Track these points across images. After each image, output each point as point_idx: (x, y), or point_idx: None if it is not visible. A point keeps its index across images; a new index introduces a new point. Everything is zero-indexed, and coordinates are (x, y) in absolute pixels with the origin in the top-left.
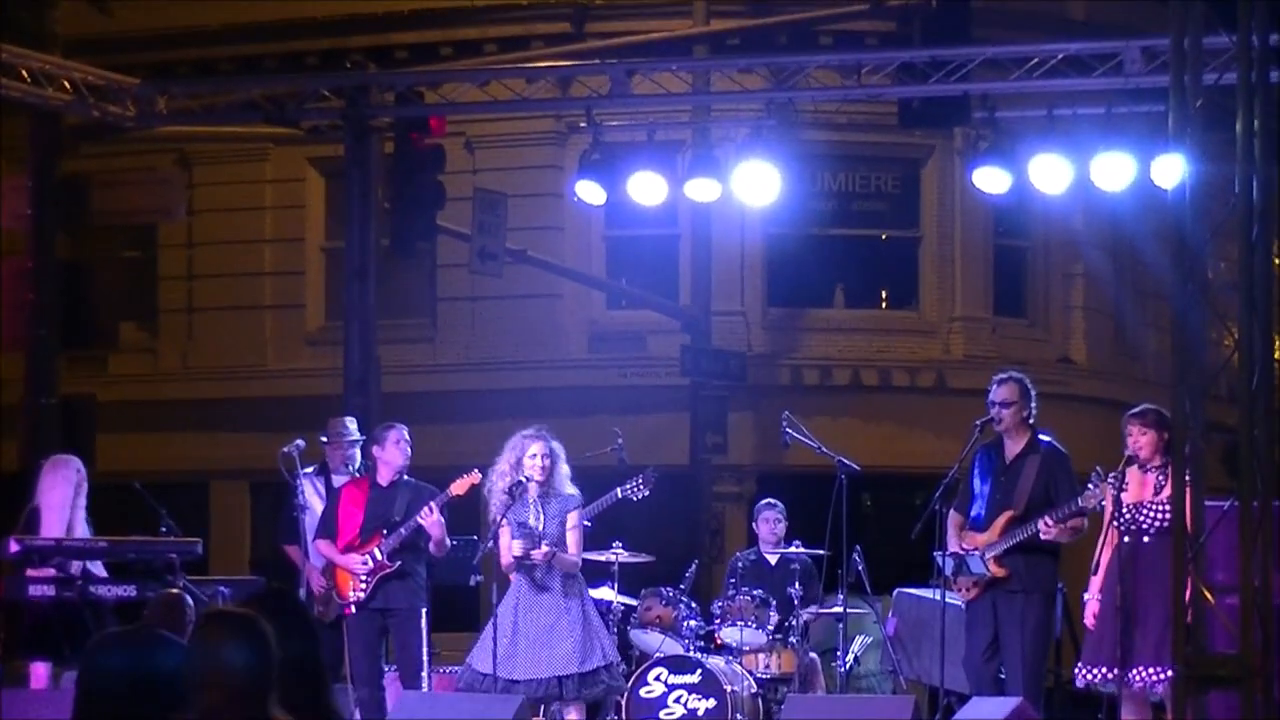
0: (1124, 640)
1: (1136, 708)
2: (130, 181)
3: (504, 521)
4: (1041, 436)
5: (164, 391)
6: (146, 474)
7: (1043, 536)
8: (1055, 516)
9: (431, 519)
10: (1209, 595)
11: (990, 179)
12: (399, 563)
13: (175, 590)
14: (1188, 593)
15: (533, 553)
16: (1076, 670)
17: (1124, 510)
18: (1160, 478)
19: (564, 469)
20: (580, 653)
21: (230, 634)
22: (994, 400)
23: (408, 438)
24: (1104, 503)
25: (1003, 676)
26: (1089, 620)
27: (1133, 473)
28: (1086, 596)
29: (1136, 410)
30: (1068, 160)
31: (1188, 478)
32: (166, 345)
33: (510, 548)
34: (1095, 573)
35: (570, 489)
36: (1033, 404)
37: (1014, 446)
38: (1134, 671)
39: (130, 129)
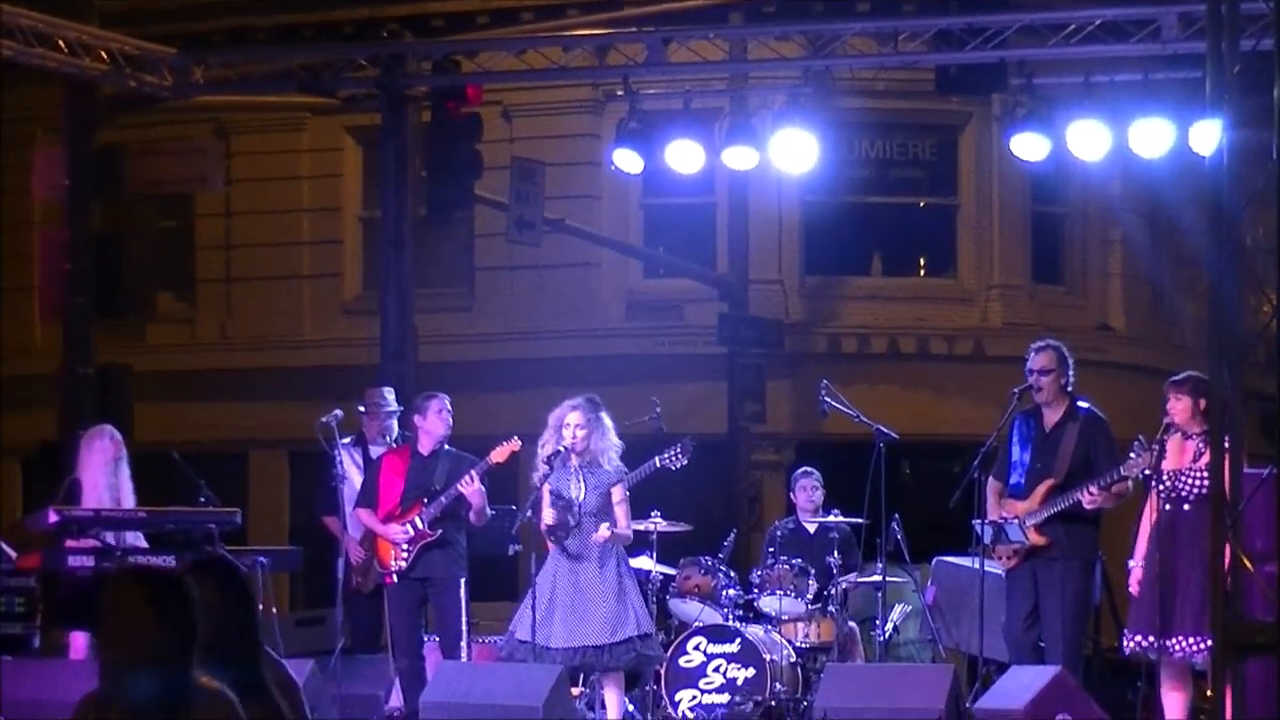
0: (1163, 609)
1: (1176, 676)
2: (167, 151)
3: (544, 490)
4: (1080, 403)
5: (201, 361)
6: (184, 444)
7: (1087, 505)
8: (1099, 484)
9: (472, 487)
10: (1248, 563)
11: (1028, 146)
12: (440, 531)
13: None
14: (1226, 560)
15: (595, 535)
16: (1123, 637)
17: (1163, 477)
18: (1200, 445)
19: (612, 440)
20: (612, 623)
21: (141, 595)
22: (1032, 368)
23: (449, 407)
24: (1147, 470)
25: (1042, 645)
26: (1133, 587)
27: (1172, 440)
28: (1131, 564)
29: (1176, 377)
30: (1105, 126)
31: (1226, 445)
32: (204, 315)
33: (546, 517)
34: (1137, 541)
35: (613, 462)
36: (1071, 371)
37: (1052, 414)
38: (1173, 640)
39: (166, 99)
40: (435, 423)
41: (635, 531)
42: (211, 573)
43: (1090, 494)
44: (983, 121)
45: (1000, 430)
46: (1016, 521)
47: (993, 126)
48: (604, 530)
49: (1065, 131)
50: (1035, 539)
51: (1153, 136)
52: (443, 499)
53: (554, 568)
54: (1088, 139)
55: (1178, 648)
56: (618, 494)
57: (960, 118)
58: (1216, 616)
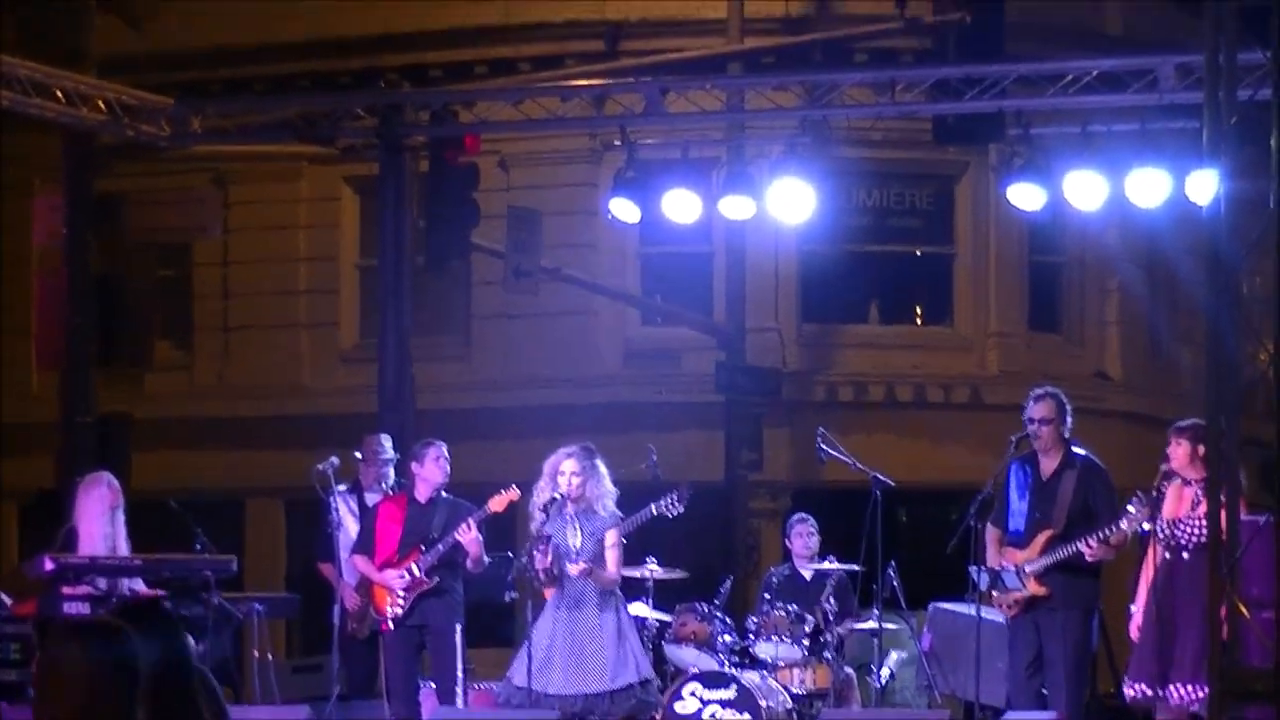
0: (1161, 656)
1: None
2: (165, 200)
3: (545, 535)
4: (1076, 450)
5: (199, 409)
6: (182, 492)
7: (1088, 558)
8: (1099, 537)
9: (469, 536)
10: (1244, 610)
11: (1025, 195)
12: (437, 579)
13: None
14: (1223, 608)
15: (570, 567)
16: (1124, 684)
17: (1162, 525)
18: (1198, 492)
19: (607, 487)
20: (612, 670)
21: (83, 645)
22: (1032, 417)
23: (447, 455)
24: (1145, 525)
25: (1045, 692)
26: (1133, 633)
27: (1171, 487)
28: (1133, 608)
29: (1181, 423)
30: (1102, 176)
31: (1223, 493)
32: (202, 363)
33: (543, 562)
34: (1139, 588)
35: (608, 508)
36: (1069, 419)
37: (1050, 462)
38: (1171, 688)
39: (165, 148)
40: (433, 470)
41: (632, 579)
42: (145, 619)
43: (1090, 547)
44: (980, 171)
45: (997, 478)
46: (1014, 569)
47: (990, 176)
48: (580, 564)
49: (1062, 181)
50: (1035, 589)
51: (1150, 186)
52: (440, 547)
53: (553, 615)
54: (1085, 189)
55: (1176, 695)
56: (611, 538)
57: (957, 167)
58: (1214, 663)
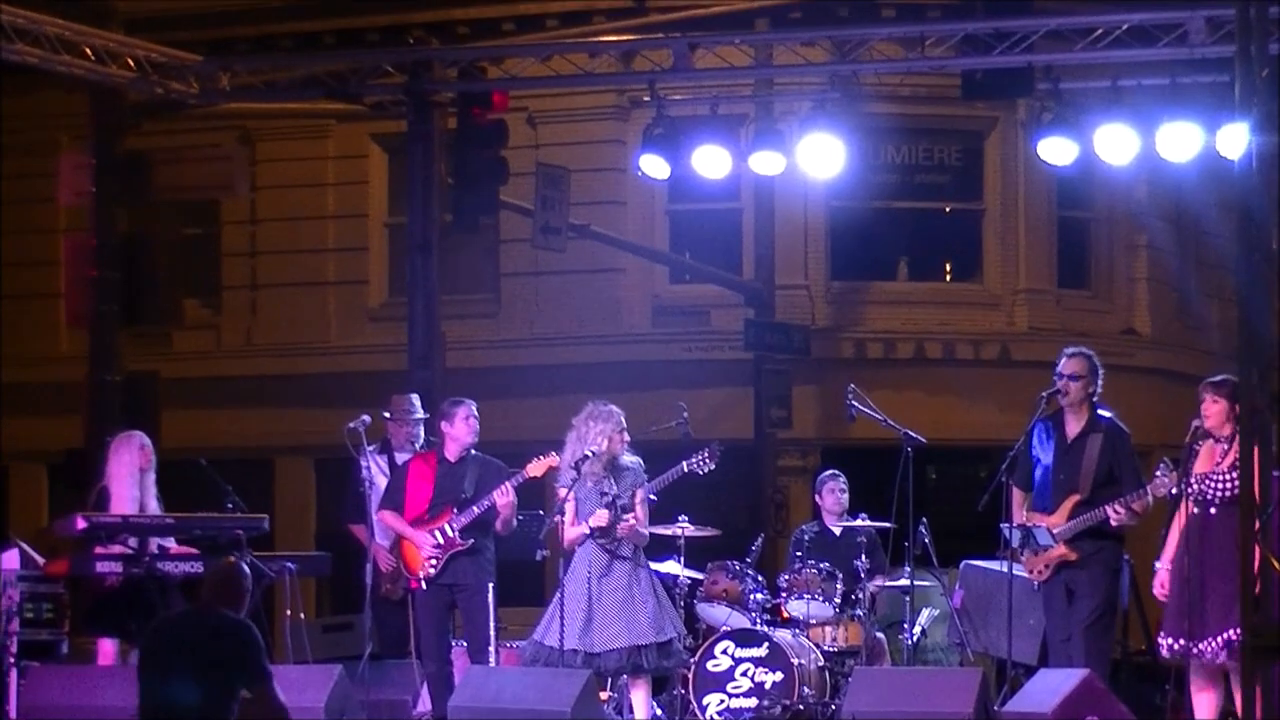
0: (1192, 611)
1: (1204, 679)
2: (192, 158)
3: (571, 496)
4: (1102, 413)
5: (227, 368)
6: (211, 450)
7: (1113, 524)
8: (1125, 504)
9: (505, 499)
10: (1276, 564)
11: (1055, 150)
12: (471, 540)
13: (230, 561)
14: (1255, 563)
15: (619, 525)
16: (1159, 640)
17: (1192, 480)
18: (1226, 448)
19: (625, 442)
20: (640, 627)
21: None
22: (1063, 373)
23: (476, 414)
24: (1174, 490)
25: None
26: (1157, 590)
27: (1204, 444)
28: (1158, 565)
29: (1214, 379)
30: (1132, 131)
31: (1255, 448)
32: (230, 322)
33: (575, 522)
34: (1165, 544)
35: (632, 463)
36: (1099, 381)
37: (1075, 423)
38: (1203, 644)
39: (193, 106)
40: (462, 429)
41: (663, 536)
42: None
43: (1117, 513)
44: (1009, 126)
45: (1026, 435)
46: (1044, 525)
47: (1019, 131)
48: (630, 520)
49: (1092, 136)
50: (1065, 552)
51: (1180, 140)
52: (474, 509)
53: (588, 570)
54: (1114, 143)
55: (1207, 649)
56: (639, 494)
57: (986, 123)
58: (1246, 619)
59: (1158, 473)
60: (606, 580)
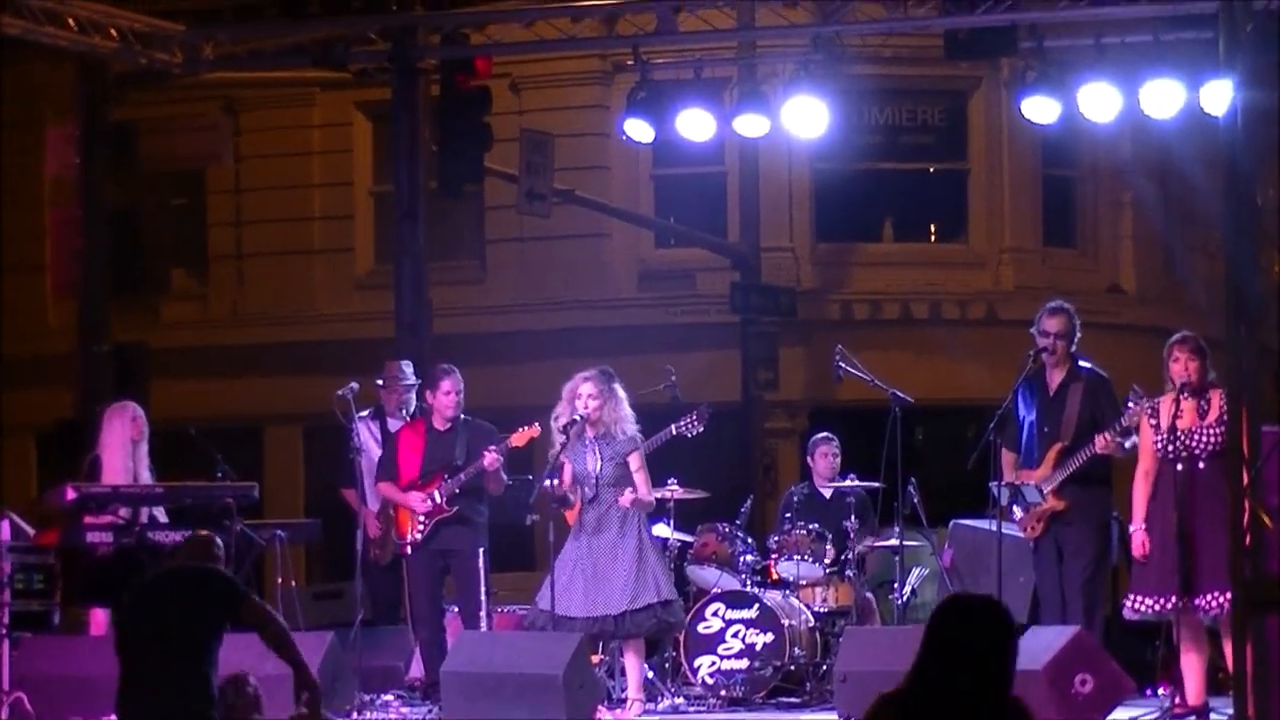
0: (1182, 567)
1: (1195, 635)
2: (178, 128)
3: (562, 461)
4: (1081, 363)
5: (215, 337)
6: (200, 420)
7: (1099, 451)
8: (1111, 431)
9: (491, 458)
10: (1267, 519)
11: (1039, 109)
12: (457, 508)
13: (204, 532)
14: (1245, 517)
15: (620, 500)
16: (1126, 602)
17: (1177, 436)
18: (1204, 403)
19: (625, 411)
20: (631, 590)
21: None
22: (1047, 330)
23: (460, 386)
24: (1150, 422)
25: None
26: (1138, 550)
27: (1183, 400)
28: (1132, 529)
29: (1181, 337)
30: (1116, 88)
31: (1243, 403)
32: (217, 291)
33: (571, 488)
34: (1135, 506)
35: (628, 432)
36: (1078, 334)
37: (1056, 376)
38: (1200, 599)
39: (177, 76)
40: (444, 403)
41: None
42: None
43: (1104, 439)
44: (992, 86)
45: (1012, 395)
46: (1032, 483)
47: (1002, 91)
48: (627, 495)
49: (1076, 94)
50: (1054, 503)
51: (1164, 97)
52: (463, 475)
53: (574, 540)
54: (1098, 101)
55: (1201, 605)
56: (635, 461)
57: (970, 82)
58: (1236, 574)
59: (1130, 402)
60: (591, 547)
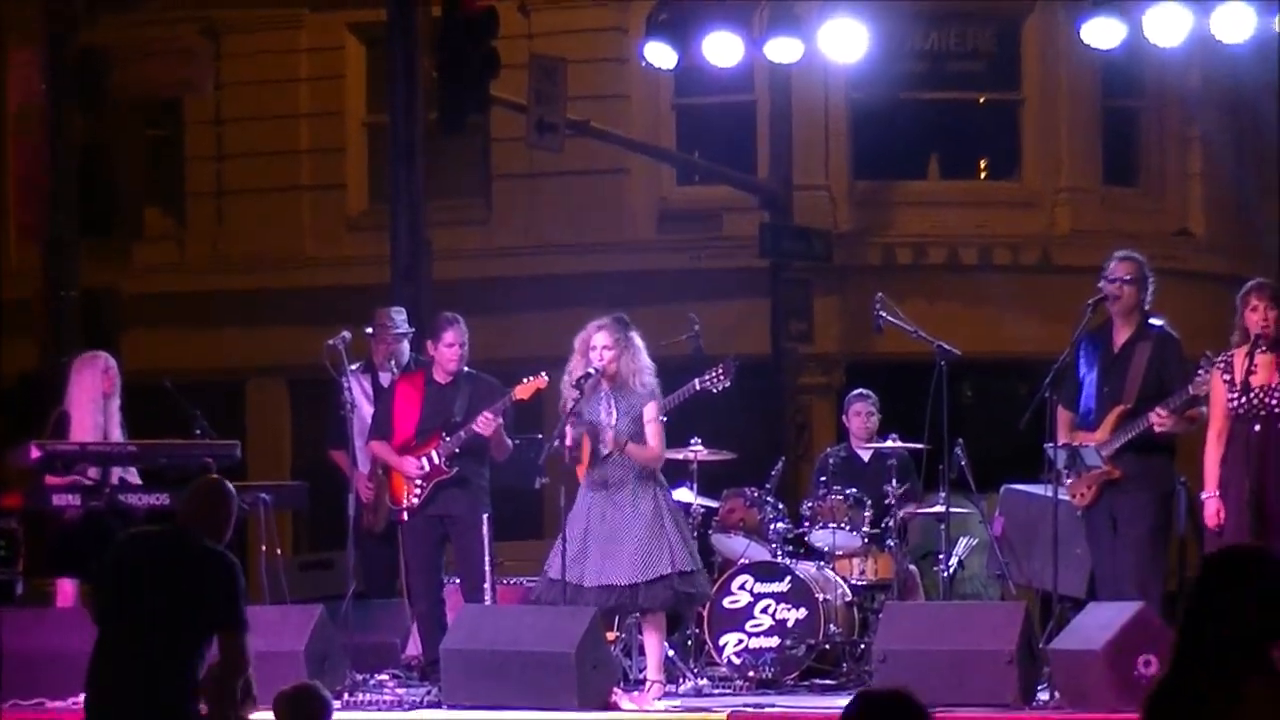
0: (1259, 534)
1: None
2: (152, 54)
3: (572, 417)
4: (1152, 321)
5: (193, 283)
6: (177, 372)
7: (1156, 429)
8: (1169, 406)
9: (489, 426)
10: None
11: (1100, 32)
12: (456, 469)
13: (213, 476)
14: None
15: (601, 443)
16: None
17: (1252, 392)
18: None
19: (643, 361)
20: (642, 561)
21: None
22: (1114, 276)
23: (465, 338)
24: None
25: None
26: (1211, 520)
27: (1259, 354)
28: (1204, 496)
29: (1257, 284)
30: (1185, 9)
31: None
32: (195, 232)
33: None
34: (1206, 471)
35: (645, 383)
36: (1150, 289)
37: (1123, 332)
38: None
39: None
40: (445, 355)
41: (675, 461)
42: None
43: (1160, 416)
44: (1048, 8)
45: (1068, 353)
46: (1092, 445)
47: (1059, 13)
48: (622, 441)
49: (1141, 16)
50: (1110, 470)
51: (1237, 20)
52: (462, 434)
53: (587, 501)
54: (1166, 24)
55: None
56: (650, 412)
57: (1024, 4)
58: None
59: (1200, 370)
60: (605, 511)
